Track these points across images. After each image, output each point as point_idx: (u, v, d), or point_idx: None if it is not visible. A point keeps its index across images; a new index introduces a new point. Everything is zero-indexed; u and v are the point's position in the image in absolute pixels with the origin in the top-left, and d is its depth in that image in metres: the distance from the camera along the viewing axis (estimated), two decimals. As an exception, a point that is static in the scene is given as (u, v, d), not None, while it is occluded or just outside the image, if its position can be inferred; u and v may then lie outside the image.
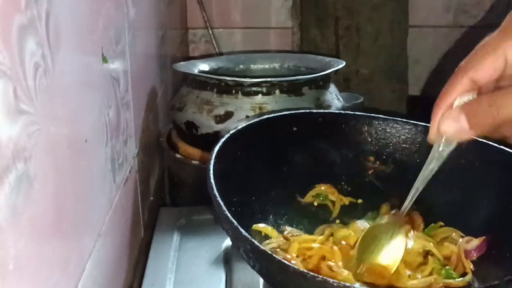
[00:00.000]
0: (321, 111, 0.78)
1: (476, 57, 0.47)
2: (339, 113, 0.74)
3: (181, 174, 0.92)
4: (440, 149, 0.51)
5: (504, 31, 0.46)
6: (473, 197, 0.62)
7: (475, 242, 0.59)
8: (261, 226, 0.61)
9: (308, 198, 0.68)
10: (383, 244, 0.56)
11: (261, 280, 0.60)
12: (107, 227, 0.58)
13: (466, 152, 0.64)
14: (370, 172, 0.69)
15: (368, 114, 0.70)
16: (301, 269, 0.43)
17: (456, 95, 0.47)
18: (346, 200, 0.68)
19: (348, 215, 0.67)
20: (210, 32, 1.50)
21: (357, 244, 0.58)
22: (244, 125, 0.63)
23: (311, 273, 0.43)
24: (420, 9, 1.45)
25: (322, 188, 0.68)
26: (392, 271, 0.54)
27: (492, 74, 0.46)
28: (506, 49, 0.45)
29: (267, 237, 0.61)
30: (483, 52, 0.46)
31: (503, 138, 0.50)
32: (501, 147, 0.62)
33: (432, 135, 0.50)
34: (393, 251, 0.56)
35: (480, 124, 0.46)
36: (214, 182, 0.52)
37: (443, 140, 0.50)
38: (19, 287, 0.35)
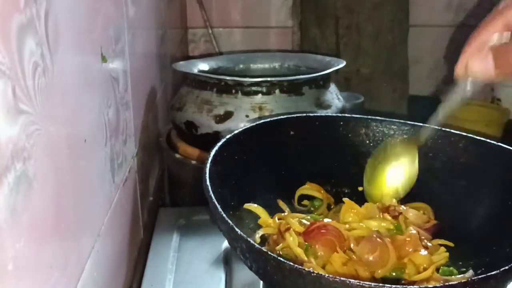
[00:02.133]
0: (318, 114, 0.78)
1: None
2: (336, 116, 0.74)
3: (180, 174, 0.92)
4: (467, 86, 0.52)
5: None
6: (472, 195, 0.62)
7: (427, 223, 0.61)
8: (253, 206, 0.62)
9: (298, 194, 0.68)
10: (394, 166, 0.59)
11: (261, 281, 0.60)
12: (107, 227, 0.58)
13: (466, 152, 0.64)
14: None
15: (365, 116, 0.70)
16: (296, 266, 0.43)
17: (488, 35, 0.48)
18: (332, 199, 0.68)
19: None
20: (210, 31, 1.50)
21: (367, 164, 0.60)
22: (241, 129, 0.63)
23: (306, 269, 0.43)
24: (420, 8, 1.45)
25: (307, 186, 0.68)
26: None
27: None
28: None
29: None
30: None
31: None
32: (501, 145, 0.62)
33: (459, 71, 0.51)
34: (404, 174, 0.58)
35: (504, 65, 0.47)
36: (211, 184, 0.52)
37: (469, 79, 0.51)
38: (18, 287, 0.35)
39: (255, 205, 0.62)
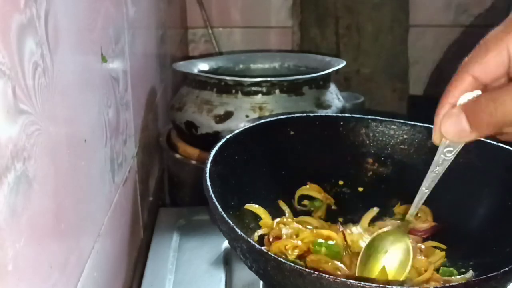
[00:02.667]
0: (318, 114, 0.78)
1: (478, 53, 0.44)
2: (336, 116, 0.74)
3: (180, 174, 0.92)
4: (445, 150, 0.49)
5: (507, 25, 0.43)
6: (473, 196, 0.62)
7: (425, 224, 0.61)
8: (255, 206, 0.62)
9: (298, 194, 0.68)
10: (388, 255, 0.54)
11: (261, 281, 0.60)
12: (107, 227, 0.58)
13: (466, 152, 0.64)
14: (369, 174, 0.69)
15: (365, 116, 0.70)
16: (297, 267, 0.43)
17: (459, 94, 0.45)
18: (332, 200, 0.68)
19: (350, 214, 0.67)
20: (210, 31, 1.50)
21: (360, 255, 0.55)
22: (241, 129, 0.63)
23: (307, 270, 0.43)
24: (420, 8, 1.45)
25: (307, 187, 0.68)
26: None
27: (495, 70, 0.43)
28: (509, 44, 0.42)
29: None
30: (485, 47, 0.44)
31: (506, 140, 0.48)
32: (501, 145, 0.62)
33: (435, 137, 0.48)
34: (398, 262, 0.54)
35: (480, 124, 0.43)
36: (211, 184, 0.52)
37: (447, 142, 0.48)
38: (18, 287, 0.35)
39: (256, 205, 0.63)
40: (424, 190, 0.53)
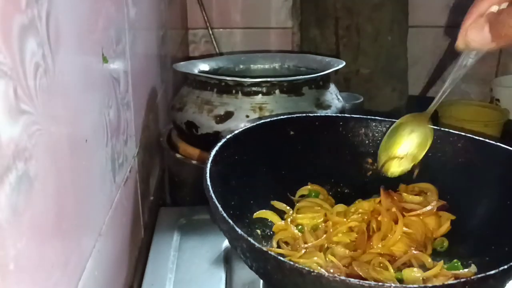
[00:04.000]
0: (318, 114, 0.78)
1: None
2: (336, 116, 0.74)
3: (181, 174, 0.92)
4: (468, 57, 0.53)
5: None
6: (473, 196, 0.62)
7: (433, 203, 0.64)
8: (263, 212, 0.63)
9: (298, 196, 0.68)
10: (412, 134, 0.62)
11: (261, 280, 0.60)
12: (107, 227, 0.58)
13: (463, 151, 0.64)
14: (368, 173, 0.70)
15: (365, 116, 0.70)
16: (297, 266, 0.44)
17: (487, 6, 0.48)
18: (333, 200, 0.68)
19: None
20: (210, 32, 1.50)
21: (382, 141, 0.64)
22: (242, 129, 0.64)
23: (307, 269, 0.43)
24: (420, 9, 1.45)
25: (309, 187, 0.68)
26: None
27: None
28: None
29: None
30: None
31: None
32: (501, 145, 0.62)
33: (460, 43, 0.51)
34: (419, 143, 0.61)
35: (501, 35, 0.46)
36: (211, 184, 0.52)
37: (470, 49, 0.52)
38: (20, 287, 0.35)
39: (264, 210, 0.63)
40: (445, 90, 0.58)
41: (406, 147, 0.62)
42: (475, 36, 0.48)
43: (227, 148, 0.60)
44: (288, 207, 0.66)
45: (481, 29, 0.48)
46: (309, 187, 0.69)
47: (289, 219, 0.64)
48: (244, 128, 0.64)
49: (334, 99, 0.89)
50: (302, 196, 0.69)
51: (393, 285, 0.51)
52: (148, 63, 0.91)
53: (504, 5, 0.47)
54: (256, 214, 0.63)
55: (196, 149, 0.88)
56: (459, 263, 0.57)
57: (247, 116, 0.82)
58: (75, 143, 0.48)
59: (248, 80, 0.83)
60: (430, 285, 0.52)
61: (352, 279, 0.42)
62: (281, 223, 0.63)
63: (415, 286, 0.53)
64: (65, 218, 0.44)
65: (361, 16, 1.38)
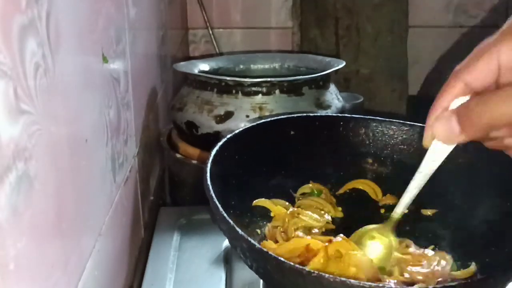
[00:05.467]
0: (318, 114, 0.78)
1: (469, 61, 0.46)
2: (336, 116, 0.74)
3: (181, 174, 0.92)
4: (435, 153, 0.50)
5: (501, 34, 0.44)
6: (471, 196, 0.62)
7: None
8: (262, 200, 0.63)
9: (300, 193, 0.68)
10: (371, 249, 0.56)
11: (261, 280, 0.60)
12: (108, 226, 0.58)
13: (464, 151, 0.64)
14: (368, 174, 0.70)
15: (365, 116, 0.70)
16: (297, 266, 0.44)
17: (451, 99, 0.47)
18: (334, 199, 0.68)
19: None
20: (210, 32, 1.50)
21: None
22: (242, 129, 0.64)
23: (307, 269, 0.43)
24: (420, 9, 1.45)
25: (310, 185, 0.68)
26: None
27: (485, 77, 0.45)
28: (499, 52, 0.44)
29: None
30: (477, 55, 0.45)
31: (499, 147, 0.49)
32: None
33: (426, 139, 0.50)
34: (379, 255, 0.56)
35: (469, 126, 0.45)
36: (211, 184, 0.52)
37: (438, 144, 0.49)
38: (20, 286, 0.35)
39: (263, 199, 0.63)
40: (411, 191, 0.55)
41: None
42: (442, 129, 0.47)
43: (227, 148, 0.60)
44: (288, 203, 0.66)
45: (447, 122, 0.46)
46: (310, 185, 0.68)
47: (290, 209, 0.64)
48: (244, 128, 0.64)
49: (334, 99, 0.89)
50: (303, 194, 0.69)
51: (393, 285, 0.51)
52: (148, 63, 0.91)
53: (468, 99, 0.46)
54: (256, 202, 0.62)
55: (196, 149, 0.88)
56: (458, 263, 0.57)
57: (247, 116, 0.82)
58: (75, 143, 0.48)
59: (248, 80, 0.83)
60: (430, 286, 0.52)
61: (352, 280, 0.42)
62: (281, 211, 0.63)
63: (415, 286, 0.53)
64: (65, 218, 0.44)
65: (361, 16, 1.38)
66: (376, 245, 0.56)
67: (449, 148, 0.50)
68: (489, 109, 0.43)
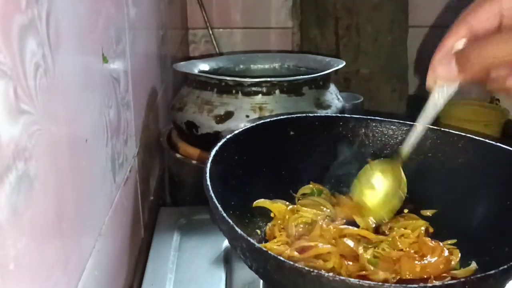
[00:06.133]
0: (318, 115, 0.78)
1: (474, 6, 0.48)
2: (336, 116, 0.74)
3: (181, 174, 0.92)
4: (439, 94, 0.53)
5: None
6: (473, 196, 0.62)
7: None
8: (261, 201, 0.63)
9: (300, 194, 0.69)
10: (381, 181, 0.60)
11: (261, 280, 0.60)
12: (107, 226, 0.58)
13: (463, 151, 0.64)
14: None
15: (365, 116, 0.70)
16: (297, 266, 0.44)
17: (454, 41, 0.49)
18: (334, 199, 0.68)
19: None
20: (210, 32, 1.50)
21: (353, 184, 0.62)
22: (242, 129, 0.64)
23: (307, 268, 0.43)
24: (420, 9, 1.45)
25: (310, 186, 0.68)
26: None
27: (487, 21, 0.47)
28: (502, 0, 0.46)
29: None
30: (481, 1, 0.48)
31: (501, 89, 0.50)
32: (501, 145, 0.62)
33: (429, 80, 0.52)
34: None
35: (467, 68, 0.47)
36: (211, 184, 0.52)
37: (440, 85, 0.52)
38: (20, 286, 0.35)
39: (262, 200, 0.63)
40: (417, 131, 0.57)
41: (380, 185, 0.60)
42: (443, 70, 0.50)
43: (227, 148, 0.60)
44: (288, 203, 0.66)
45: (448, 63, 0.49)
46: (311, 185, 0.69)
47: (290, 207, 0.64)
48: (244, 128, 0.64)
49: (334, 99, 0.89)
50: (304, 195, 0.69)
51: (393, 285, 0.51)
52: (148, 63, 0.91)
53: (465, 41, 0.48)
54: (256, 203, 0.63)
55: (196, 149, 0.88)
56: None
57: (247, 116, 0.82)
58: (75, 143, 0.48)
59: (248, 80, 0.83)
60: (430, 284, 0.52)
61: (352, 279, 0.42)
62: (282, 208, 0.64)
63: (415, 286, 0.53)
64: (65, 218, 0.44)
65: (361, 16, 1.38)
66: (386, 177, 0.60)
67: (451, 90, 0.52)
68: (486, 49, 0.45)
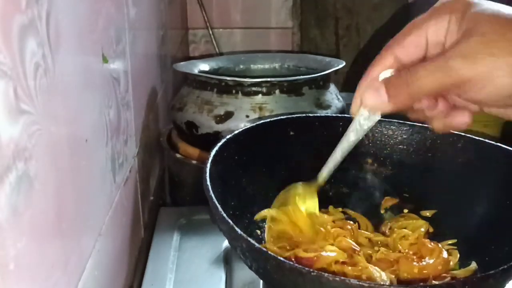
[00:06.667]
0: (317, 115, 0.78)
1: (401, 35, 0.48)
2: (336, 116, 0.74)
3: (181, 174, 0.92)
4: (362, 122, 0.52)
5: (431, 11, 0.48)
6: (471, 195, 0.62)
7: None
8: (263, 213, 0.63)
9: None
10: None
11: (261, 280, 0.60)
12: (107, 226, 0.58)
13: (463, 151, 0.64)
14: (368, 174, 0.70)
15: None
16: (297, 266, 0.44)
17: (380, 70, 0.49)
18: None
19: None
20: (210, 32, 1.50)
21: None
22: (242, 129, 0.64)
23: (306, 268, 0.43)
24: (419, 9, 1.45)
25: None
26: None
27: (413, 52, 0.47)
28: (428, 28, 0.47)
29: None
30: (407, 31, 0.48)
31: (421, 119, 0.51)
32: (501, 145, 0.62)
33: (354, 107, 0.52)
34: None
35: (397, 96, 0.47)
36: (211, 184, 0.52)
37: (365, 113, 0.51)
38: (20, 286, 0.35)
39: (265, 211, 0.63)
40: (336, 157, 0.57)
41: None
42: (370, 97, 0.49)
43: (227, 148, 0.60)
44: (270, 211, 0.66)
45: (376, 90, 0.48)
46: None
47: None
48: (244, 128, 0.64)
49: (334, 99, 0.89)
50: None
51: (392, 285, 0.51)
52: (148, 63, 0.91)
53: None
54: (258, 215, 0.63)
55: (196, 149, 0.88)
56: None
57: (247, 116, 0.82)
58: (75, 143, 0.48)
59: (248, 80, 0.83)
60: (430, 284, 0.52)
61: (352, 279, 0.42)
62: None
63: (415, 286, 0.53)
64: (65, 218, 0.44)
65: (361, 16, 1.38)
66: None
67: (375, 118, 0.52)
68: (416, 79, 0.45)
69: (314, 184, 0.60)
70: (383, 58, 0.49)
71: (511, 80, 0.42)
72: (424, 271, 0.56)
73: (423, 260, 0.57)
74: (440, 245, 0.59)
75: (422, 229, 0.62)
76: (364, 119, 0.52)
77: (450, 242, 0.61)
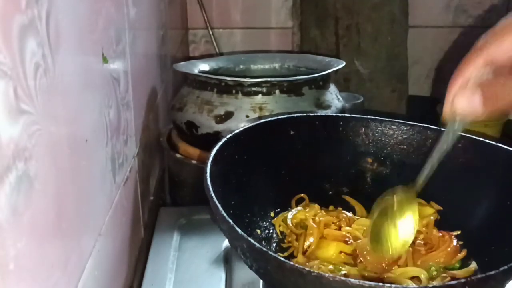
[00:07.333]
0: (318, 114, 0.78)
1: (494, 37, 0.46)
2: (336, 116, 0.74)
3: (181, 174, 0.92)
4: (455, 127, 0.50)
5: None
6: (473, 196, 0.62)
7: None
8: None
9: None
10: (396, 221, 0.56)
11: (261, 280, 0.60)
12: (107, 226, 0.58)
13: (465, 152, 0.64)
14: (368, 173, 0.70)
15: (365, 116, 0.70)
16: (297, 266, 0.44)
17: (471, 73, 0.47)
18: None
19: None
20: (210, 32, 1.50)
21: (371, 217, 0.59)
22: (242, 129, 0.64)
23: (307, 269, 0.43)
24: (420, 9, 1.45)
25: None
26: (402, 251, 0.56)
27: (509, 54, 0.45)
28: None
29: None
30: (502, 32, 0.45)
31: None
32: (501, 145, 0.62)
33: (446, 113, 0.50)
34: (405, 228, 0.56)
35: (493, 104, 0.45)
36: (211, 184, 0.52)
37: (456, 118, 0.49)
38: (20, 286, 0.35)
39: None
40: (432, 164, 0.55)
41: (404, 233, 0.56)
42: (463, 102, 0.47)
43: (227, 147, 0.60)
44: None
45: (470, 95, 0.46)
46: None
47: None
48: (244, 128, 0.64)
49: (334, 99, 0.89)
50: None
51: (393, 285, 0.51)
52: (148, 63, 0.91)
53: (488, 75, 0.46)
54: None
55: (196, 149, 0.88)
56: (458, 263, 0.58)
57: (247, 116, 0.82)
58: (75, 143, 0.48)
59: (248, 80, 0.83)
60: (430, 285, 0.52)
61: (352, 279, 0.42)
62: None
63: (414, 286, 0.53)
64: (65, 218, 0.44)
65: (361, 16, 1.38)
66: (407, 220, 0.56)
67: (466, 122, 0.50)
68: None
69: (412, 190, 0.58)
70: (473, 61, 0.47)
71: None
72: (436, 260, 0.56)
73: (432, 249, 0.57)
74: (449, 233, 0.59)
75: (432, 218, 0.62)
76: (457, 123, 0.50)
77: (455, 233, 0.61)
